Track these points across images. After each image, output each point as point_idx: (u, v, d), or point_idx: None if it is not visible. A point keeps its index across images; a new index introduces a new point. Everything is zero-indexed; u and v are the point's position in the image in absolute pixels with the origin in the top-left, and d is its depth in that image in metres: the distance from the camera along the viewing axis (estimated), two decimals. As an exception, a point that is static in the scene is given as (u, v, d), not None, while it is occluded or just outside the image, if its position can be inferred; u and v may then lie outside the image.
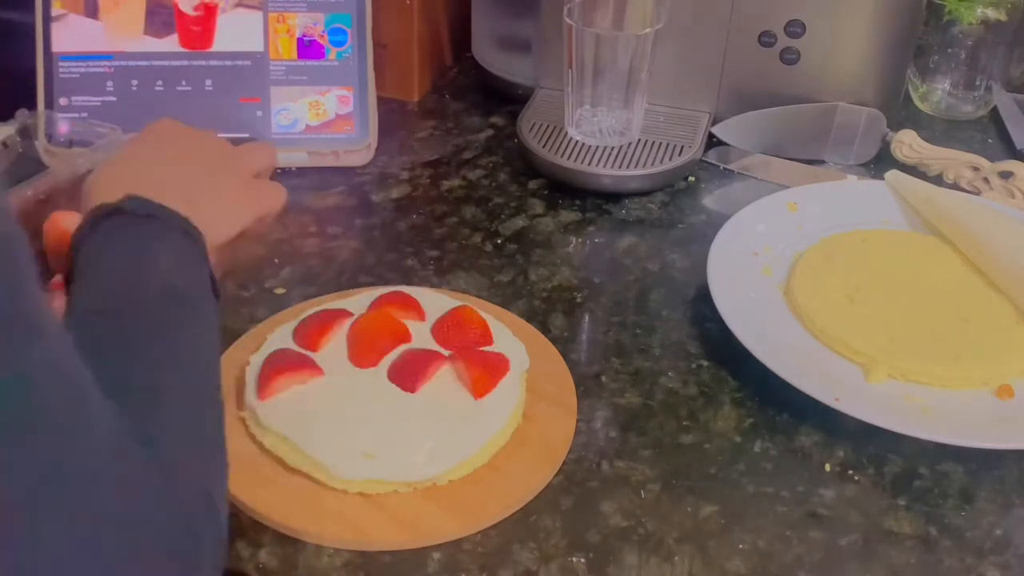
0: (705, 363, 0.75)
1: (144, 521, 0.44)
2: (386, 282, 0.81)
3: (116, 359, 0.51)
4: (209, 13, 0.94)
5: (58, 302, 0.67)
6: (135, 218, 0.58)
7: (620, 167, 0.93)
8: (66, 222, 0.65)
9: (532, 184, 0.96)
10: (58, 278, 0.73)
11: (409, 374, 0.68)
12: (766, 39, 0.95)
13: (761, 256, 0.82)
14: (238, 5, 0.95)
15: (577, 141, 0.95)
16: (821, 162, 0.99)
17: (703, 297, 0.78)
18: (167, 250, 0.58)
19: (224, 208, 0.66)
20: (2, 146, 0.85)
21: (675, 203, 0.93)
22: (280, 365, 0.68)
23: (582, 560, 0.60)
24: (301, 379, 0.68)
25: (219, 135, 0.72)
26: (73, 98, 0.94)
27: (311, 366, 0.69)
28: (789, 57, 0.95)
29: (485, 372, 0.68)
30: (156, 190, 0.60)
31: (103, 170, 0.65)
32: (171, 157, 0.67)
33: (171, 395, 0.52)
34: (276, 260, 0.85)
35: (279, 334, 0.73)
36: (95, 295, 0.56)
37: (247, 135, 0.95)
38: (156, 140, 0.69)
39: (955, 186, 0.94)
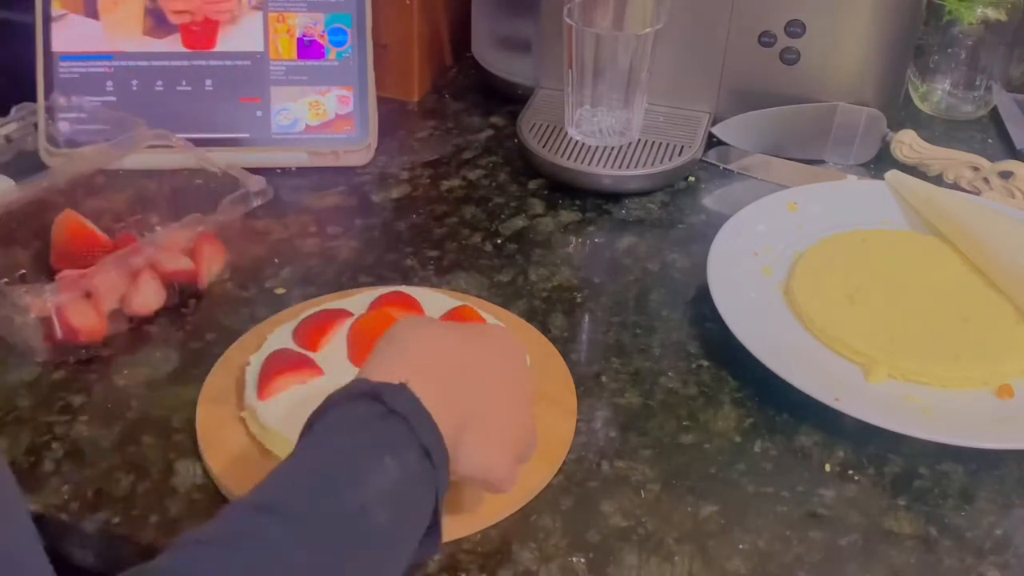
0: (705, 363, 0.75)
1: None
2: (386, 282, 0.81)
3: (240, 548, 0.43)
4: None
5: (66, 293, 0.66)
6: (384, 411, 0.49)
7: (620, 167, 0.92)
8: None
9: (532, 184, 0.96)
10: (65, 273, 0.74)
11: None
12: (766, 39, 0.95)
13: (761, 256, 0.82)
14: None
15: (577, 141, 0.95)
16: (821, 162, 0.99)
17: (703, 297, 0.78)
18: (394, 466, 0.48)
19: (492, 444, 0.55)
20: (5, 141, 0.85)
21: (675, 203, 0.93)
22: (280, 365, 0.68)
23: (582, 560, 0.60)
24: (301, 379, 0.68)
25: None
26: (73, 98, 0.94)
27: (311, 366, 0.69)
28: (789, 57, 0.95)
29: (485, 372, 0.68)
30: (440, 394, 0.51)
31: (410, 332, 0.55)
32: (483, 374, 0.56)
33: None
34: (276, 260, 0.85)
35: (279, 334, 0.73)
36: (278, 483, 0.48)
37: (247, 135, 0.95)
38: (483, 347, 0.58)
39: (955, 186, 0.94)
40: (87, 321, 0.73)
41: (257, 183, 0.81)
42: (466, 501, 0.63)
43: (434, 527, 0.51)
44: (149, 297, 0.77)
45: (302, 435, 0.51)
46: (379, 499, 0.47)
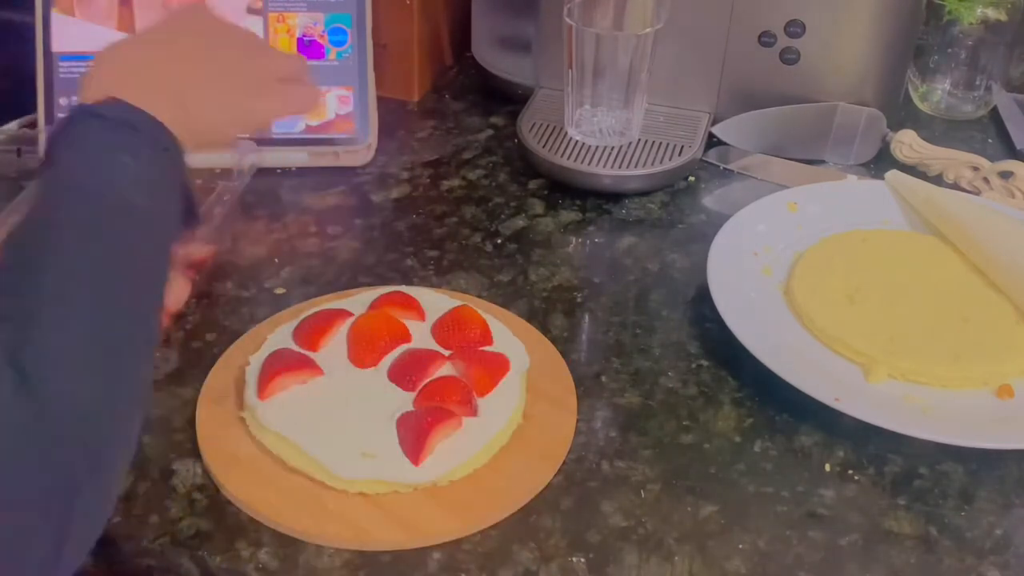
0: (705, 363, 0.75)
1: None
2: (386, 282, 0.81)
3: (16, 266, 0.47)
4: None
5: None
6: (111, 124, 0.54)
7: (620, 167, 0.92)
8: None
9: (532, 184, 0.96)
10: None
11: (409, 374, 0.68)
12: (766, 39, 0.95)
13: (761, 256, 0.82)
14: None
15: (577, 141, 0.95)
16: (821, 162, 0.99)
17: (703, 297, 0.78)
18: (135, 163, 0.54)
19: (225, 110, 0.62)
20: (16, 154, 0.85)
21: (675, 203, 0.93)
22: (280, 365, 0.68)
23: (582, 560, 0.60)
24: (301, 379, 0.68)
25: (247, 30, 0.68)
26: (73, 98, 0.94)
27: (311, 366, 0.69)
28: (789, 57, 0.95)
29: (485, 372, 0.68)
30: (149, 91, 0.56)
31: (100, 61, 0.60)
32: (180, 52, 0.62)
33: (68, 314, 0.46)
34: (276, 260, 0.85)
35: (279, 334, 0.73)
36: (38, 200, 0.52)
37: (247, 135, 0.95)
38: (170, 32, 0.64)
39: (955, 186, 0.94)
40: None
41: (246, 147, 0.83)
42: (467, 501, 0.63)
43: (191, 205, 0.59)
44: (179, 292, 0.75)
45: (45, 154, 0.55)
46: (133, 190, 0.53)
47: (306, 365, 0.69)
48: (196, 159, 0.59)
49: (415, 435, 0.63)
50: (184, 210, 0.58)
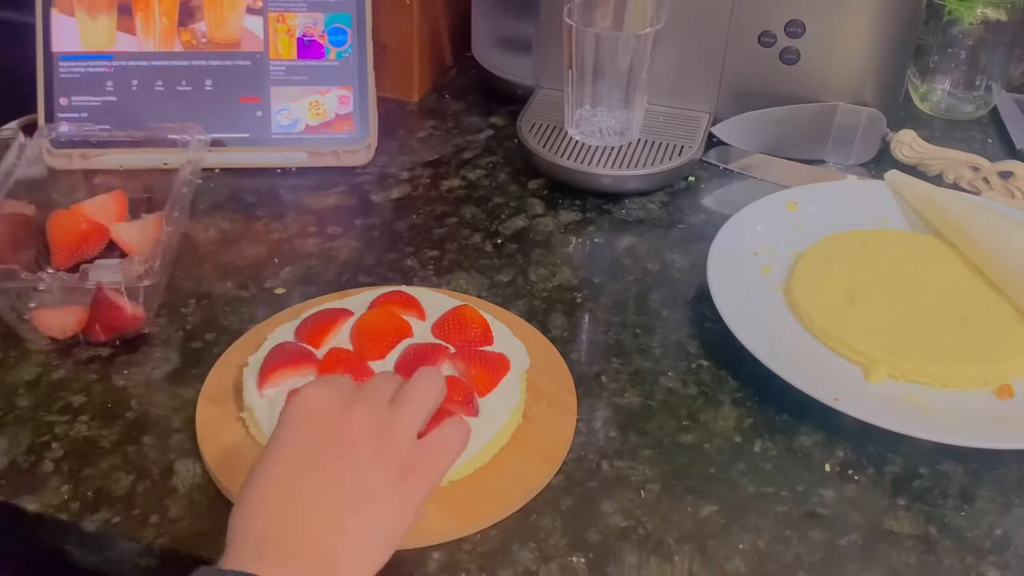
0: (705, 363, 0.75)
1: None
2: (386, 282, 0.81)
3: None
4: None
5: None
6: None
7: (620, 167, 0.92)
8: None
9: (532, 184, 0.96)
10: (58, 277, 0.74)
11: (414, 369, 0.68)
12: (766, 39, 0.95)
13: (761, 256, 0.82)
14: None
15: (577, 141, 0.95)
16: (821, 162, 0.99)
17: (703, 297, 0.78)
18: None
19: (371, 540, 0.53)
20: (17, 153, 0.84)
21: (675, 203, 0.93)
22: (281, 359, 0.68)
23: (582, 560, 0.60)
24: (302, 374, 0.68)
25: (383, 377, 0.59)
26: (73, 98, 0.94)
27: (312, 360, 0.69)
28: (789, 57, 0.95)
29: (485, 372, 0.68)
30: (291, 542, 0.51)
31: (247, 494, 0.54)
32: (314, 463, 0.54)
33: None
34: (276, 260, 0.85)
35: (279, 334, 0.73)
36: None
37: (247, 135, 0.95)
38: (299, 442, 0.55)
39: (955, 186, 0.94)
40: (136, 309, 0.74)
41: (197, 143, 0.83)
42: (467, 501, 0.63)
43: None
44: None
45: None
46: None
47: (307, 360, 0.69)
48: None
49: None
50: None
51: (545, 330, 0.77)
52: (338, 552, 0.51)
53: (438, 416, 0.64)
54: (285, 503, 0.53)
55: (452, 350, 0.70)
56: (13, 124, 0.97)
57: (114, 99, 0.94)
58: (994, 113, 1.07)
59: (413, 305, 0.74)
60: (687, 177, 0.96)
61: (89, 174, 0.90)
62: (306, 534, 0.51)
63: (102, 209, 0.84)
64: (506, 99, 1.07)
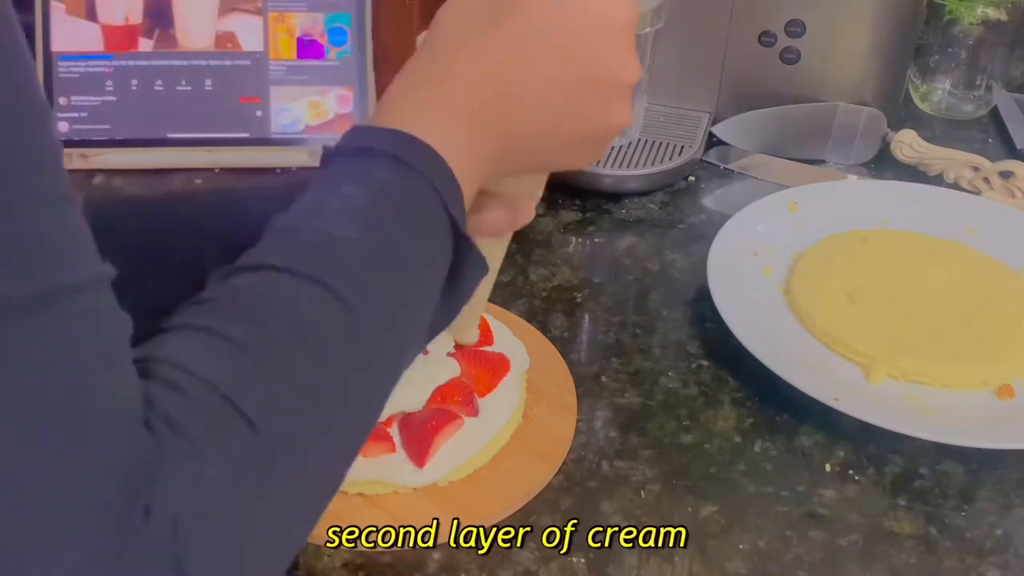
0: (705, 363, 0.75)
1: None
2: (386, 282, 0.81)
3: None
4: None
5: None
6: (404, 171, 0.44)
7: (620, 167, 0.92)
8: None
9: (532, 184, 0.95)
10: None
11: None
12: (766, 39, 0.95)
13: (761, 256, 0.82)
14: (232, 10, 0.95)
15: (577, 141, 0.95)
16: (821, 162, 0.99)
17: (703, 297, 0.78)
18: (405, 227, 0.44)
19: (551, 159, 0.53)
20: None
21: (675, 203, 0.93)
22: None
23: (582, 560, 0.60)
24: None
25: None
26: (73, 98, 0.94)
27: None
28: (789, 57, 0.95)
29: (485, 372, 0.68)
30: (494, 123, 0.48)
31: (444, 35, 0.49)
32: (538, 63, 0.51)
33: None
34: (276, 260, 0.85)
35: (279, 334, 0.72)
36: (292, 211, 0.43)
37: (247, 135, 0.95)
38: (534, 34, 0.51)
39: (955, 186, 0.94)
40: None
41: None
42: (467, 501, 0.63)
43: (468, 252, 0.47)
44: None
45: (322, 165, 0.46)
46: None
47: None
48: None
49: (420, 439, 0.63)
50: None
51: (545, 330, 0.77)
52: (525, 143, 0.50)
53: (438, 416, 0.64)
54: (510, 90, 0.49)
55: (452, 350, 0.70)
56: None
57: (114, 99, 0.94)
58: (994, 113, 1.07)
59: (413, 305, 0.74)
60: (687, 177, 0.96)
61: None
62: (506, 120, 0.49)
63: None
64: (506, 99, 1.07)
